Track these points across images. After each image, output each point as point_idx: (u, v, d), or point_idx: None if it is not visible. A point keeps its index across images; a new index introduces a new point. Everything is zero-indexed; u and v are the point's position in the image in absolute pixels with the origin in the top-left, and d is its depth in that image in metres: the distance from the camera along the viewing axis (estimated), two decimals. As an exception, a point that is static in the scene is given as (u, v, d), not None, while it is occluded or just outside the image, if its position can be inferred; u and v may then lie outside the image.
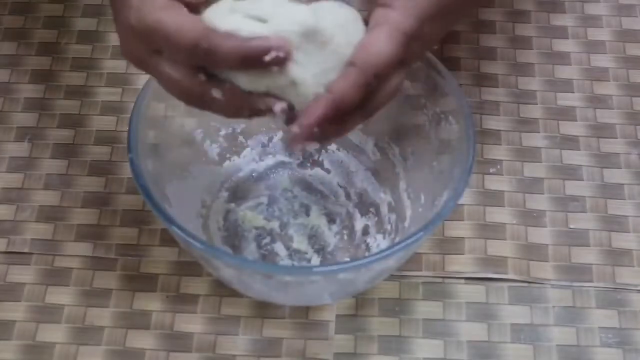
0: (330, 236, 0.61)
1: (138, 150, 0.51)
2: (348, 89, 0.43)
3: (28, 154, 0.66)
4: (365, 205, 0.62)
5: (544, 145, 0.66)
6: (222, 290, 0.59)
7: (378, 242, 0.60)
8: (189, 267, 0.60)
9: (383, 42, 0.44)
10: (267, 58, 0.42)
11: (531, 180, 0.65)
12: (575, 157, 0.66)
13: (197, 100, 0.46)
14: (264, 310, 0.59)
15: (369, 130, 0.62)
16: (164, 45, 0.44)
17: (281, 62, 0.42)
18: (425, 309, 0.59)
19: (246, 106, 0.45)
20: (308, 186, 0.64)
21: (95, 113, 0.68)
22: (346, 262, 0.58)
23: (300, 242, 0.61)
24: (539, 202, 0.63)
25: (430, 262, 0.61)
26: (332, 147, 0.64)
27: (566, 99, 0.69)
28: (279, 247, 0.61)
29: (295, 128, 0.43)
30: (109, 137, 0.67)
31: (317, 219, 0.62)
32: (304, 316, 0.58)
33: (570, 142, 0.67)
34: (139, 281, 0.60)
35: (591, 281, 0.60)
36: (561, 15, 0.74)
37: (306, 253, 0.60)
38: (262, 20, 0.43)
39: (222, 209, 0.62)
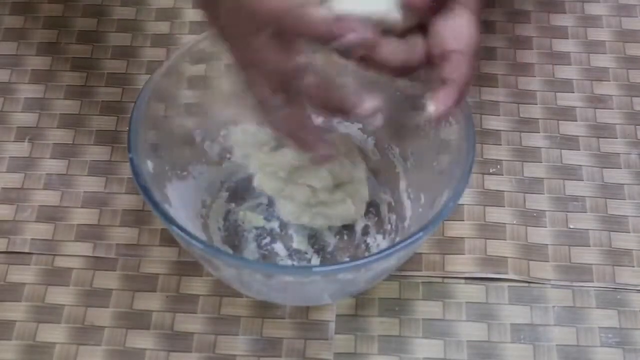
0: (330, 236, 0.61)
1: (138, 150, 0.51)
2: (468, 74, 0.46)
3: (28, 154, 0.66)
4: (365, 206, 0.62)
5: (544, 145, 0.66)
6: (222, 290, 0.59)
7: (378, 242, 0.60)
8: (189, 267, 0.60)
9: (473, 28, 0.46)
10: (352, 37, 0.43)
11: (531, 180, 0.65)
12: (575, 157, 0.66)
13: (285, 84, 0.46)
14: (264, 310, 0.59)
15: (369, 130, 0.62)
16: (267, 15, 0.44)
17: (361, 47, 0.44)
18: (425, 309, 0.59)
19: (334, 98, 0.46)
20: (308, 186, 0.64)
21: (95, 113, 0.68)
22: (346, 262, 0.58)
23: (300, 242, 0.61)
24: (539, 202, 0.63)
25: (430, 262, 0.61)
26: (332, 147, 0.64)
27: (566, 99, 0.69)
28: (279, 247, 0.61)
29: (431, 108, 0.45)
30: (109, 137, 0.67)
31: (317, 219, 0.62)
32: (304, 316, 0.58)
33: (570, 142, 0.67)
34: (139, 281, 0.60)
35: (591, 281, 0.60)
36: (561, 15, 0.74)
37: (306, 253, 0.60)
38: None
39: (222, 209, 0.62)
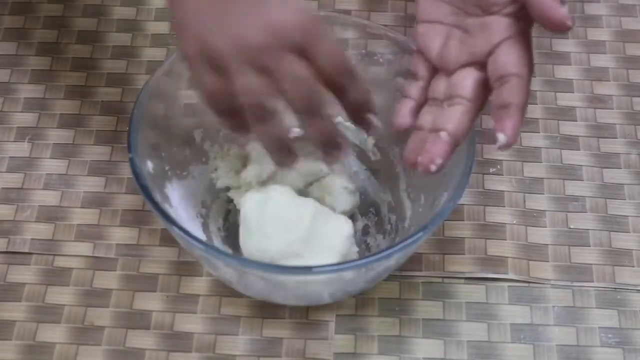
0: (331, 236, 0.61)
1: (138, 150, 0.51)
2: (526, 96, 0.49)
3: (28, 154, 0.66)
4: (365, 205, 0.62)
5: (544, 145, 0.66)
6: (222, 290, 0.59)
7: (378, 242, 0.60)
8: (189, 267, 0.60)
9: (528, 52, 0.49)
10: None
11: (531, 180, 0.65)
12: (575, 157, 0.66)
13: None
14: (264, 310, 0.59)
15: (369, 131, 0.62)
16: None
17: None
18: (425, 309, 0.59)
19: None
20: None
21: (95, 113, 0.68)
22: (346, 262, 0.58)
23: (300, 242, 0.61)
24: (539, 202, 0.63)
25: (430, 262, 0.61)
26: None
27: (566, 99, 0.69)
28: (279, 247, 0.61)
29: (502, 138, 0.47)
30: (109, 136, 0.67)
31: (317, 219, 0.62)
32: (304, 316, 0.58)
33: (570, 142, 0.67)
34: (139, 281, 0.60)
35: (591, 281, 0.60)
36: (561, 15, 0.74)
37: (306, 253, 0.60)
38: None
39: (222, 209, 0.62)
